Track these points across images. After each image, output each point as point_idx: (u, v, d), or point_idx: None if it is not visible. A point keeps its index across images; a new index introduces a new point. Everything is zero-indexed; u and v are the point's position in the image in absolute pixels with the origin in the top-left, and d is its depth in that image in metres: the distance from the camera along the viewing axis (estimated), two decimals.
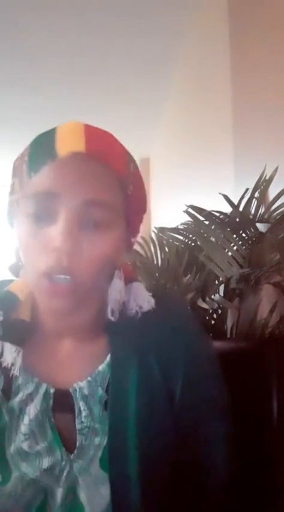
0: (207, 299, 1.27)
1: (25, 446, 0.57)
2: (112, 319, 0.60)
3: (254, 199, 1.27)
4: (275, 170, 1.31)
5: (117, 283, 0.61)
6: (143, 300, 0.62)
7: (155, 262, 1.46)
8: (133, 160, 0.61)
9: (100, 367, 0.60)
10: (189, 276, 1.31)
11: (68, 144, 0.54)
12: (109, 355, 0.60)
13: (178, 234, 1.43)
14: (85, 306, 0.59)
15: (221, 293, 1.29)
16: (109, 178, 0.55)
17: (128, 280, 0.63)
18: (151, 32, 2.47)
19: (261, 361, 0.77)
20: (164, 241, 1.45)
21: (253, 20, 1.63)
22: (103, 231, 0.54)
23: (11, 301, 0.60)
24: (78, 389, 0.58)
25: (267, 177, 1.31)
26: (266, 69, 1.54)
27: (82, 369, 0.60)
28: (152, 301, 0.62)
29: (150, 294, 0.63)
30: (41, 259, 0.52)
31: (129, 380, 0.58)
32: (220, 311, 1.29)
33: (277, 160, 1.33)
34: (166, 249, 1.43)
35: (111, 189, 0.55)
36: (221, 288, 1.28)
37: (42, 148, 0.55)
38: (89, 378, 0.59)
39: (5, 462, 0.57)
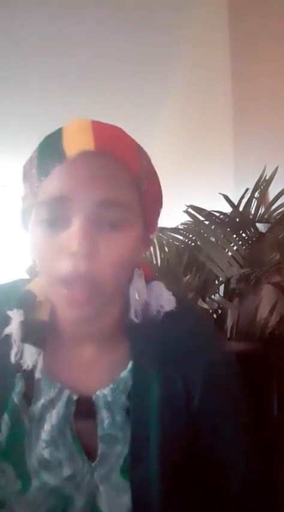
0: (207, 299, 1.27)
1: (46, 453, 0.56)
2: (136, 320, 0.57)
3: (254, 199, 1.27)
4: (275, 170, 1.31)
5: (138, 283, 0.58)
6: (164, 300, 0.60)
7: (155, 262, 1.46)
8: (146, 155, 0.58)
9: (123, 374, 0.58)
10: (189, 276, 1.31)
11: (76, 143, 0.51)
12: (131, 362, 0.58)
13: (178, 234, 1.43)
14: (107, 311, 0.57)
15: (221, 293, 1.29)
16: (122, 176, 0.52)
17: (148, 279, 0.61)
18: (151, 32, 2.47)
19: (261, 361, 0.77)
20: (164, 241, 1.45)
21: (253, 20, 1.63)
22: (120, 231, 0.51)
23: (30, 300, 0.58)
24: (101, 397, 0.57)
25: (267, 177, 1.31)
26: (266, 69, 1.54)
27: (104, 375, 0.58)
28: (173, 300, 0.60)
29: (171, 293, 0.61)
30: (57, 265, 0.50)
31: (151, 387, 0.57)
32: (220, 311, 1.29)
33: (277, 160, 1.33)
34: (166, 249, 1.43)
35: (125, 187, 0.52)
36: (221, 288, 1.28)
37: (50, 150, 0.53)
38: (112, 385, 0.57)
39: (25, 470, 0.56)
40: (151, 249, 1.49)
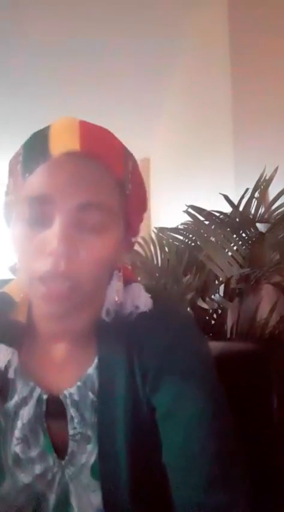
0: (207, 299, 1.27)
1: (18, 450, 0.57)
2: (107, 319, 0.58)
3: (254, 199, 1.27)
4: (275, 170, 1.31)
5: (116, 285, 0.59)
6: (140, 300, 0.60)
7: (155, 262, 1.46)
8: (132, 158, 0.58)
9: (89, 370, 0.58)
10: (189, 276, 1.31)
11: (62, 143, 0.51)
12: (96, 358, 0.58)
13: (178, 234, 1.43)
14: (83, 310, 0.57)
15: (221, 293, 1.29)
16: (106, 179, 0.52)
17: (127, 281, 0.61)
18: (151, 32, 2.47)
19: (261, 361, 0.77)
20: (164, 241, 1.45)
21: (253, 20, 1.63)
22: (100, 234, 0.51)
23: (5, 303, 0.59)
24: (68, 396, 0.57)
25: (267, 177, 1.31)
26: (266, 69, 1.54)
27: (72, 373, 0.59)
28: (150, 302, 0.60)
29: (149, 296, 0.61)
30: (36, 263, 0.50)
31: (117, 383, 0.57)
32: (220, 311, 1.29)
33: (277, 161, 1.33)
34: (166, 249, 1.43)
35: (108, 190, 0.52)
36: (221, 288, 1.28)
37: (36, 147, 0.53)
38: (78, 383, 0.58)
39: None
40: (152, 249, 1.50)
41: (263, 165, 1.33)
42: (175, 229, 1.44)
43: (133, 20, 2.39)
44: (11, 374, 0.56)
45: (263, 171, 1.32)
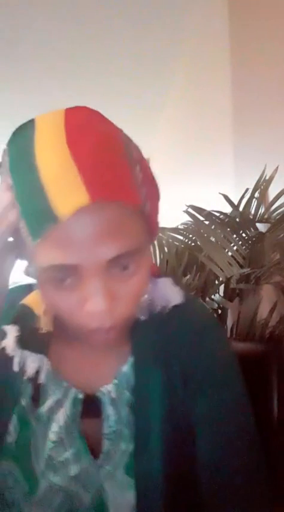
0: (207, 299, 1.27)
1: (53, 453, 0.56)
2: (142, 317, 0.58)
3: (254, 199, 1.27)
4: (275, 170, 1.31)
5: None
6: (170, 294, 0.60)
7: (155, 262, 1.46)
8: (135, 151, 0.50)
9: (124, 368, 0.58)
10: (188, 276, 1.31)
11: (67, 199, 0.42)
12: (132, 357, 0.58)
13: (178, 234, 1.43)
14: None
15: (221, 293, 1.29)
16: (127, 218, 0.46)
17: (154, 276, 0.60)
18: (151, 32, 2.47)
19: (261, 361, 0.77)
20: (164, 242, 1.45)
21: (254, 20, 1.63)
22: (135, 271, 0.48)
23: (26, 317, 0.57)
24: (105, 393, 0.57)
25: (267, 177, 1.31)
26: (266, 69, 1.54)
27: (107, 371, 0.58)
28: (180, 295, 0.60)
29: (178, 288, 0.61)
30: (79, 319, 0.48)
31: (153, 382, 0.56)
32: (220, 311, 1.29)
33: (277, 160, 1.33)
34: (166, 249, 1.43)
35: (133, 229, 0.46)
36: (221, 288, 1.28)
37: (34, 203, 0.44)
38: (115, 381, 0.57)
39: (33, 471, 0.56)
40: (151, 249, 1.49)
41: (263, 165, 1.33)
42: (175, 229, 1.44)
43: (133, 20, 2.39)
44: (42, 379, 0.56)
45: (263, 171, 1.32)
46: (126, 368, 0.58)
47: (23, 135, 0.47)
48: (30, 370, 0.56)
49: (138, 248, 0.47)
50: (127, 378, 0.58)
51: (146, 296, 0.58)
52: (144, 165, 0.51)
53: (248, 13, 1.67)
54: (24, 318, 0.57)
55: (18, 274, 0.60)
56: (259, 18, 1.59)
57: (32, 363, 0.56)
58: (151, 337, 0.59)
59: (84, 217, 0.43)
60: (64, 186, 0.43)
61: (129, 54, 2.70)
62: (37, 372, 0.56)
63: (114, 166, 0.45)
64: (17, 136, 0.48)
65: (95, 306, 0.46)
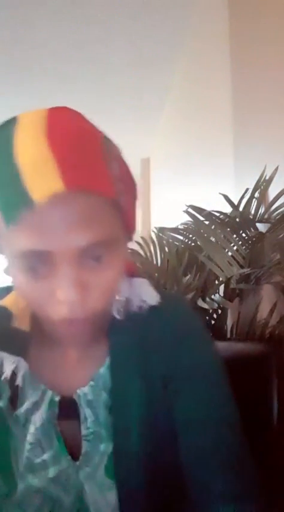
0: (207, 299, 1.27)
1: (31, 455, 0.56)
2: (118, 317, 0.58)
3: (254, 199, 1.27)
4: (275, 170, 1.31)
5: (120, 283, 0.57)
6: (146, 294, 0.60)
7: (155, 262, 1.46)
8: (112, 146, 0.51)
9: (101, 370, 0.58)
10: (188, 276, 1.31)
11: (42, 184, 0.43)
12: (108, 358, 0.58)
13: (178, 234, 1.43)
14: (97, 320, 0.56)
15: (221, 293, 1.29)
16: (102, 208, 0.46)
17: (130, 275, 0.60)
18: (151, 32, 2.47)
19: (261, 361, 0.77)
20: (164, 241, 1.45)
21: (254, 19, 1.63)
22: (108, 262, 0.48)
23: (3, 317, 0.57)
24: (82, 396, 0.57)
25: (267, 177, 1.31)
26: (266, 69, 1.54)
27: (84, 373, 0.58)
28: (156, 295, 0.60)
29: (153, 289, 0.61)
30: (49, 309, 0.48)
31: (131, 382, 0.57)
32: (220, 311, 1.29)
33: (277, 160, 1.33)
34: (166, 249, 1.43)
35: (107, 219, 0.47)
36: (221, 288, 1.28)
37: (9, 187, 0.44)
38: (92, 382, 0.57)
39: (10, 474, 0.56)
40: (151, 249, 1.50)
41: (263, 165, 1.33)
42: (175, 229, 1.44)
43: (133, 20, 2.39)
44: (19, 381, 0.56)
45: (263, 171, 1.32)
46: (103, 370, 0.58)
47: (5, 128, 0.48)
48: (7, 371, 0.55)
49: (111, 240, 0.48)
50: (104, 380, 0.58)
51: (122, 295, 0.58)
52: (122, 164, 0.51)
53: (249, 14, 1.67)
54: (1, 319, 0.57)
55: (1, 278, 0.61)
56: (259, 19, 1.59)
57: (9, 364, 0.56)
58: (128, 338, 0.59)
59: (58, 204, 0.44)
60: (40, 173, 0.43)
61: (129, 55, 2.71)
62: (14, 374, 0.56)
63: (89, 158, 0.46)
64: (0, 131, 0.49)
65: (65, 295, 0.46)
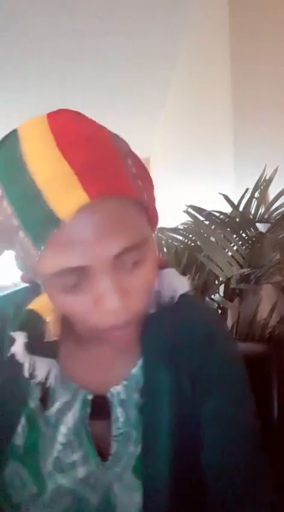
0: (207, 299, 1.27)
1: (61, 456, 0.56)
2: (151, 310, 0.58)
3: (254, 199, 1.27)
4: (275, 170, 1.31)
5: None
6: (177, 283, 0.60)
7: None
8: (123, 144, 0.50)
9: (134, 370, 0.58)
10: (188, 276, 1.31)
11: (67, 201, 0.42)
12: (141, 358, 0.58)
13: (177, 234, 1.43)
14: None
15: (221, 293, 1.29)
16: (128, 212, 0.46)
17: (160, 268, 0.59)
18: (151, 31, 2.47)
19: (261, 361, 0.76)
20: (163, 242, 1.45)
21: (254, 18, 1.63)
22: (141, 262, 0.48)
23: (34, 322, 0.56)
24: (115, 394, 0.57)
25: (267, 177, 1.31)
26: (266, 69, 1.54)
27: (117, 372, 0.58)
28: (187, 283, 0.60)
29: (186, 278, 0.61)
30: (92, 319, 0.48)
31: (162, 384, 0.56)
32: (220, 311, 1.29)
33: (277, 160, 1.33)
34: (165, 250, 1.43)
35: (135, 221, 0.47)
36: (221, 288, 1.28)
37: (34, 209, 0.43)
38: (125, 382, 0.57)
39: (40, 474, 0.56)
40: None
41: (263, 165, 1.33)
42: (175, 229, 1.44)
43: (133, 20, 2.39)
44: (51, 383, 0.56)
45: (263, 171, 1.32)
46: (136, 370, 0.58)
47: (7, 147, 0.47)
48: (40, 375, 0.55)
49: (143, 240, 0.47)
50: (136, 380, 0.57)
51: (155, 288, 0.58)
52: (134, 157, 0.51)
53: (249, 11, 1.67)
54: (31, 324, 0.56)
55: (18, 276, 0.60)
56: (260, 17, 1.59)
57: (41, 367, 0.55)
58: (160, 334, 0.58)
59: (86, 216, 0.43)
60: (61, 189, 0.42)
61: (129, 53, 2.70)
62: (46, 376, 0.55)
63: (107, 162, 0.45)
64: (1, 149, 0.47)
65: (111, 304, 0.46)
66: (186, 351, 0.58)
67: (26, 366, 0.55)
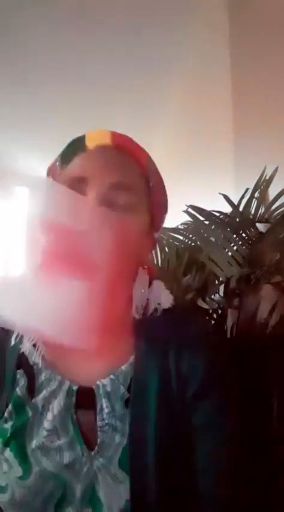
0: (207, 299, 1.27)
1: (47, 441, 0.59)
2: (137, 316, 0.61)
3: (254, 199, 1.27)
4: (275, 170, 1.31)
5: (142, 280, 0.62)
6: (162, 297, 0.64)
7: (155, 262, 1.46)
8: (154, 165, 0.68)
9: (124, 367, 0.61)
10: (188, 276, 1.31)
11: (96, 139, 0.63)
12: (133, 356, 0.61)
13: (178, 234, 1.43)
14: (112, 301, 0.58)
15: (221, 293, 1.29)
16: (133, 167, 0.63)
17: (150, 278, 0.65)
18: (151, 31, 2.47)
19: (261, 361, 0.77)
20: (164, 242, 1.45)
21: (254, 19, 1.63)
22: (129, 213, 0.59)
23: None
24: (101, 386, 0.59)
25: (267, 177, 1.31)
26: (266, 69, 1.54)
27: (104, 367, 0.61)
28: (171, 298, 0.64)
29: (169, 292, 0.65)
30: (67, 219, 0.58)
31: (150, 381, 0.59)
32: (220, 311, 1.29)
33: (277, 161, 1.33)
34: (166, 249, 1.43)
35: (136, 176, 0.63)
36: (221, 288, 1.28)
37: (73, 145, 0.64)
38: (112, 376, 0.60)
39: (26, 457, 0.58)
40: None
41: (263, 165, 1.33)
42: (175, 229, 1.44)
43: (134, 20, 2.39)
44: (35, 359, 0.60)
45: (263, 171, 1.32)
46: (126, 366, 0.61)
47: (75, 140, 0.66)
48: (26, 346, 0.60)
49: (136, 193, 0.61)
50: (125, 376, 0.60)
51: (143, 290, 0.62)
52: (157, 176, 0.69)
53: (248, 16, 1.67)
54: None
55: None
56: (259, 22, 1.59)
57: (28, 340, 0.60)
58: (151, 338, 0.61)
59: (103, 151, 0.62)
60: (97, 134, 0.64)
61: (130, 54, 2.71)
62: (30, 352, 0.60)
63: (136, 145, 0.66)
64: (69, 143, 0.66)
65: (88, 202, 0.57)
66: (178, 354, 0.60)
67: (14, 334, 0.59)
